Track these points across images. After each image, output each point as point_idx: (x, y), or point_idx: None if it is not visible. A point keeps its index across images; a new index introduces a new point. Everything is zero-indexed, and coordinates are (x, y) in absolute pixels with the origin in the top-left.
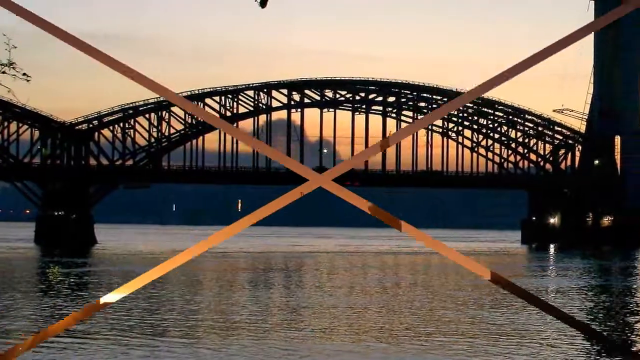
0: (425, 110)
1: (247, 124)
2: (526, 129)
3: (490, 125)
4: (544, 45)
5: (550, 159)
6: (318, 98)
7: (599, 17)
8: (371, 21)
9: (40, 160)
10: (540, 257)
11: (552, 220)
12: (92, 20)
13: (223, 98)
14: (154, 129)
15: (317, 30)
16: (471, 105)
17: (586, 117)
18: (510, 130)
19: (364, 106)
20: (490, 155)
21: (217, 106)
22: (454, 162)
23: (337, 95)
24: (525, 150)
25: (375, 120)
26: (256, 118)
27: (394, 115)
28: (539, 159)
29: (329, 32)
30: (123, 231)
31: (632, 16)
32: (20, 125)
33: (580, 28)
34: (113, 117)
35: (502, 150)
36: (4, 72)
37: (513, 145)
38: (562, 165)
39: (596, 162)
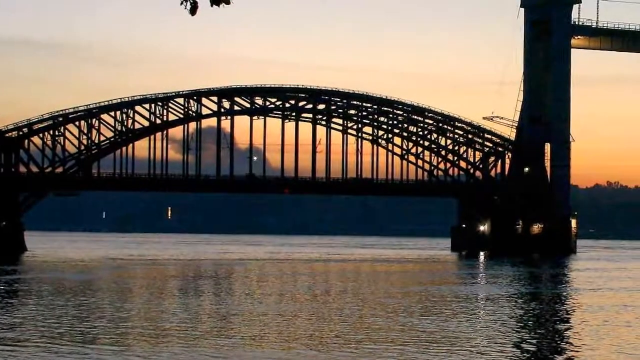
0: (355, 118)
1: (177, 132)
2: (456, 136)
3: (420, 133)
4: (474, 51)
5: (480, 166)
6: (248, 105)
7: (528, 24)
8: (301, 29)
9: None
10: (470, 264)
11: (482, 228)
12: (22, 26)
13: (153, 105)
14: (84, 137)
15: (248, 38)
16: (401, 112)
17: (516, 125)
18: (440, 137)
19: (294, 113)
20: (420, 162)
21: (147, 114)
22: (384, 169)
23: (267, 103)
24: (455, 158)
25: (305, 127)
26: (186, 125)
27: (323, 122)
28: (469, 167)
29: (259, 40)
30: (53, 238)
31: (563, 24)
32: None
33: None
34: (43, 125)
35: (432, 157)
36: None
37: (443, 152)
38: (492, 173)
39: (526, 169)
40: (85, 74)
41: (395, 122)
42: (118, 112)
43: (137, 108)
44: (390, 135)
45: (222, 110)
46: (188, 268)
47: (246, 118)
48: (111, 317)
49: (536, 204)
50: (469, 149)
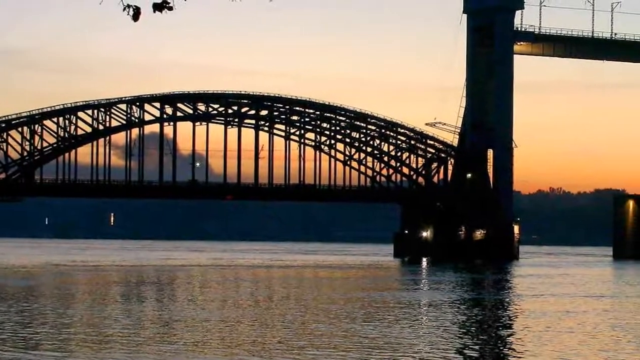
0: (298, 124)
1: (119, 138)
2: (399, 142)
3: (363, 139)
4: (417, 57)
5: (423, 172)
6: (190, 111)
7: (471, 30)
8: (244, 35)
9: None
10: (412, 270)
11: (424, 234)
12: None
13: (96, 112)
14: (27, 143)
15: (191, 44)
16: (344, 119)
17: (459, 131)
18: (382, 143)
19: (236, 120)
20: (362, 168)
21: (89, 120)
22: (326, 175)
23: (210, 109)
24: (398, 164)
25: (248, 133)
26: (129, 131)
27: (266, 128)
28: (412, 173)
29: (202, 45)
30: None
31: (506, 30)
32: None
33: None
34: None
35: (375, 163)
36: None
37: (385, 158)
38: (435, 179)
39: (468, 175)
40: (24, 81)
41: (337, 128)
42: (60, 118)
43: (80, 114)
44: (332, 142)
45: (165, 116)
46: (131, 274)
47: (189, 124)
48: (54, 323)
49: (479, 210)
50: (412, 155)
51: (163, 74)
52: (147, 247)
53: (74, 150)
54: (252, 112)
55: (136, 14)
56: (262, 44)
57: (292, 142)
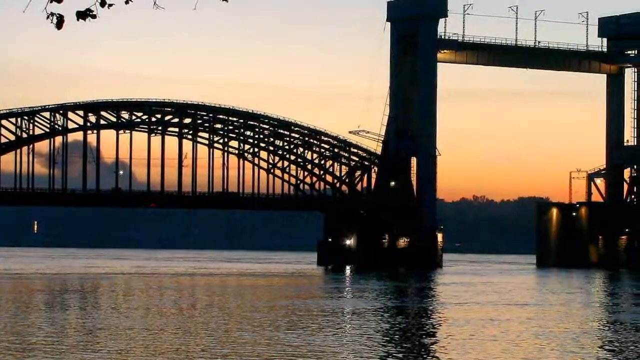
0: (221, 132)
1: (43, 146)
2: (322, 150)
3: (287, 147)
4: (341, 65)
5: (347, 180)
6: (114, 119)
7: (395, 38)
8: (168, 43)
9: None
10: (336, 278)
11: (348, 242)
12: None
13: (19, 119)
14: None
15: (114, 52)
16: (267, 127)
17: (382, 139)
18: (306, 151)
19: (160, 128)
20: (286, 176)
21: (13, 128)
22: (250, 183)
23: (134, 117)
24: (322, 172)
25: (172, 141)
26: (52, 139)
27: (190, 136)
28: (335, 181)
29: (126, 53)
30: None
31: (430, 38)
32: None
33: None
34: None
35: (299, 171)
36: None
37: (309, 166)
38: (359, 187)
39: (392, 183)
40: None
41: (261, 136)
42: None
43: (3, 122)
44: (256, 150)
45: (89, 124)
46: (54, 282)
47: (112, 132)
48: None
49: (402, 218)
50: (335, 163)
51: (87, 82)
52: (71, 255)
53: None
54: (176, 120)
55: (60, 22)
56: (186, 52)
57: (215, 150)
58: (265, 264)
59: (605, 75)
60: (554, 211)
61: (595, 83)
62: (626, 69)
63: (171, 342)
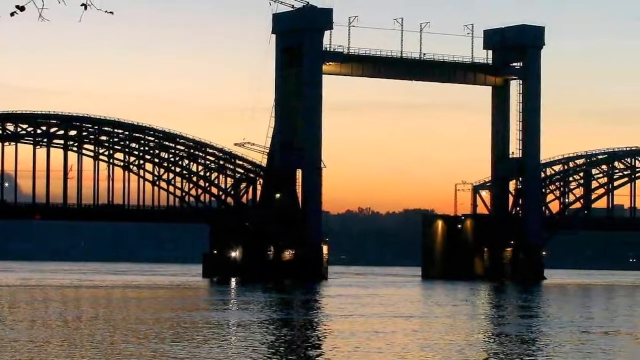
0: (106, 144)
1: None
2: (208, 162)
3: (172, 159)
4: (226, 77)
5: (232, 192)
6: None
7: (280, 50)
8: (53, 55)
9: None
10: (221, 290)
11: (233, 254)
12: None
13: None
14: None
15: None
16: (153, 139)
17: (268, 151)
18: (191, 163)
19: (45, 140)
20: (171, 188)
21: None
22: (135, 195)
23: (19, 129)
24: (207, 184)
25: (57, 153)
26: None
27: (75, 148)
28: (220, 193)
29: (10, 65)
30: None
31: (315, 50)
32: None
33: None
34: None
35: (184, 183)
36: None
37: (194, 178)
38: (244, 199)
39: (277, 195)
40: None
41: (146, 148)
42: None
43: None
44: (141, 162)
45: None
46: None
47: None
48: None
49: (288, 230)
50: (221, 175)
51: None
52: None
53: None
54: (61, 132)
55: None
56: (71, 64)
57: (101, 162)
58: (150, 276)
59: (490, 88)
60: (439, 223)
61: (481, 95)
62: (511, 81)
63: (57, 354)
